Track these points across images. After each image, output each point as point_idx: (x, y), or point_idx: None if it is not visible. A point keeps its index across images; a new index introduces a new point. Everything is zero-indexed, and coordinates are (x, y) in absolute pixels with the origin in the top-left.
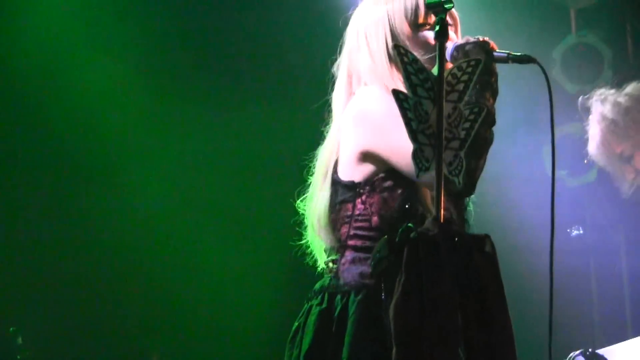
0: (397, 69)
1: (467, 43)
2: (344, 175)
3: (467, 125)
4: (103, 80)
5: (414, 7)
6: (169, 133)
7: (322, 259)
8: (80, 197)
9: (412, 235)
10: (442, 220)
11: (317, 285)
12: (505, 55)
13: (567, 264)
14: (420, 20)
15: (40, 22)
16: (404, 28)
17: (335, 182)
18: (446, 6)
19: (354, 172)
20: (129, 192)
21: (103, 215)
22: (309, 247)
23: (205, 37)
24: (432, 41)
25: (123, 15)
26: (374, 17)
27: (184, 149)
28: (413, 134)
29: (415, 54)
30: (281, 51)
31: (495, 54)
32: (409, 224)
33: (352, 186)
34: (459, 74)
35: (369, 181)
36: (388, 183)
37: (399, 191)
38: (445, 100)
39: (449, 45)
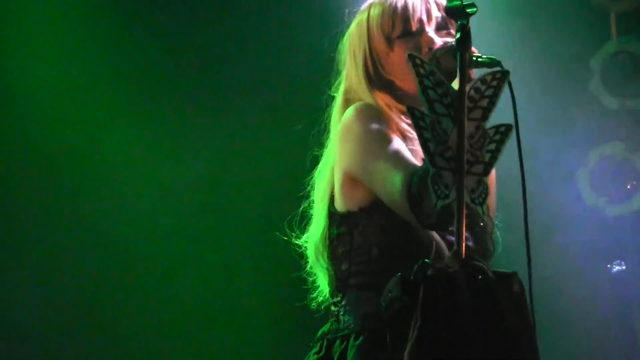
0: (379, 90)
1: (438, 49)
2: (339, 205)
3: (492, 147)
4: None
5: (390, 15)
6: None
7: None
8: (75, 202)
9: (429, 272)
10: (463, 255)
11: (319, 332)
12: (474, 59)
13: (605, 306)
14: (396, 32)
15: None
16: (381, 43)
17: (332, 214)
18: (468, 10)
19: (348, 200)
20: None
21: (99, 223)
22: (314, 288)
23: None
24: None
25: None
26: (357, 28)
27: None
28: (430, 157)
29: (394, 78)
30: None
31: None
32: (426, 260)
33: (347, 216)
34: (482, 88)
35: (365, 209)
36: (385, 209)
37: (399, 217)
38: (467, 119)
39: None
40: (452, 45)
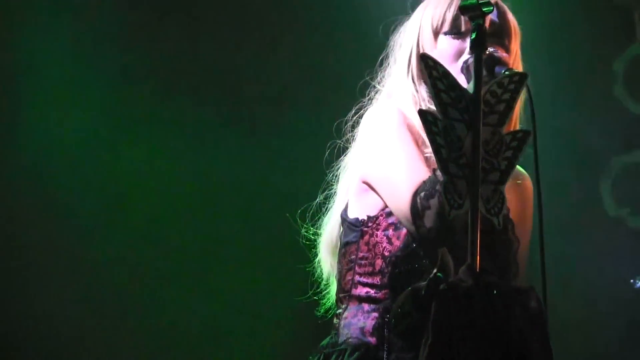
0: (416, 86)
1: (470, 57)
2: (351, 211)
3: (509, 154)
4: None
5: (443, 9)
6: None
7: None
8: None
9: (441, 287)
10: (478, 269)
11: (320, 345)
12: (503, 72)
13: (630, 323)
14: (445, 28)
15: None
16: (428, 36)
17: (343, 220)
18: (484, 9)
19: (358, 206)
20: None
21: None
22: (324, 293)
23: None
24: (453, 53)
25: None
26: (412, 21)
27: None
28: (443, 164)
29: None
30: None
31: (496, 69)
32: (438, 273)
33: (356, 224)
34: (499, 91)
35: (373, 217)
36: (393, 218)
37: (405, 229)
38: (483, 124)
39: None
40: (487, 55)
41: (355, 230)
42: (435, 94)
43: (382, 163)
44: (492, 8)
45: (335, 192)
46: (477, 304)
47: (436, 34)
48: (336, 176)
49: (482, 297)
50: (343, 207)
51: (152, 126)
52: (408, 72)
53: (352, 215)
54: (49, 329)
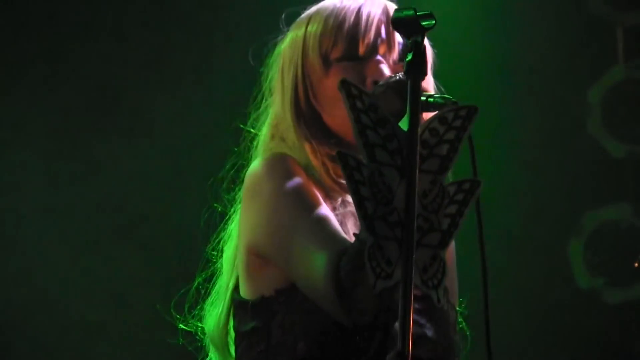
0: (308, 127)
1: (378, 85)
2: (248, 291)
3: (452, 209)
4: None
5: (333, 29)
6: None
7: None
8: None
9: None
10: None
11: None
12: (425, 99)
13: None
14: (337, 53)
15: None
16: (315, 64)
17: (239, 304)
18: (424, 24)
19: (258, 282)
20: None
21: None
22: None
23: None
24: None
25: None
26: (291, 42)
27: None
28: (368, 222)
29: (322, 111)
30: None
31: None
32: None
33: (260, 304)
34: (441, 129)
35: (283, 290)
36: None
37: None
38: (420, 170)
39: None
40: (397, 80)
41: (261, 313)
42: (359, 131)
43: (280, 231)
44: (434, 22)
45: (218, 269)
46: None
47: (326, 59)
48: (218, 250)
49: None
50: (232, 286)
51: None
52: (295, 110)
53: (251, 295)
54: None
